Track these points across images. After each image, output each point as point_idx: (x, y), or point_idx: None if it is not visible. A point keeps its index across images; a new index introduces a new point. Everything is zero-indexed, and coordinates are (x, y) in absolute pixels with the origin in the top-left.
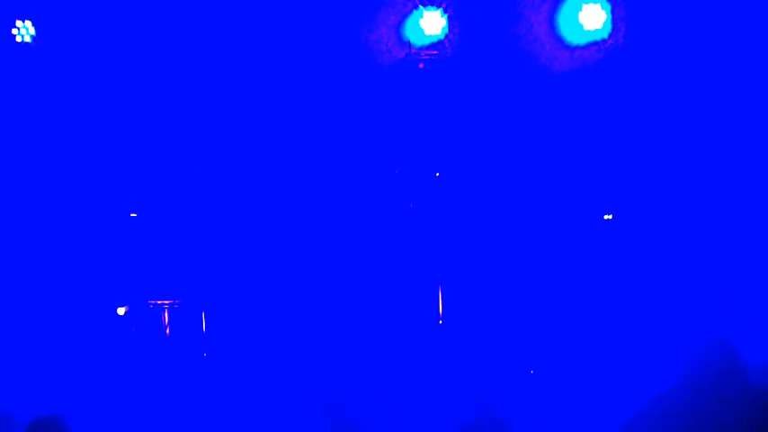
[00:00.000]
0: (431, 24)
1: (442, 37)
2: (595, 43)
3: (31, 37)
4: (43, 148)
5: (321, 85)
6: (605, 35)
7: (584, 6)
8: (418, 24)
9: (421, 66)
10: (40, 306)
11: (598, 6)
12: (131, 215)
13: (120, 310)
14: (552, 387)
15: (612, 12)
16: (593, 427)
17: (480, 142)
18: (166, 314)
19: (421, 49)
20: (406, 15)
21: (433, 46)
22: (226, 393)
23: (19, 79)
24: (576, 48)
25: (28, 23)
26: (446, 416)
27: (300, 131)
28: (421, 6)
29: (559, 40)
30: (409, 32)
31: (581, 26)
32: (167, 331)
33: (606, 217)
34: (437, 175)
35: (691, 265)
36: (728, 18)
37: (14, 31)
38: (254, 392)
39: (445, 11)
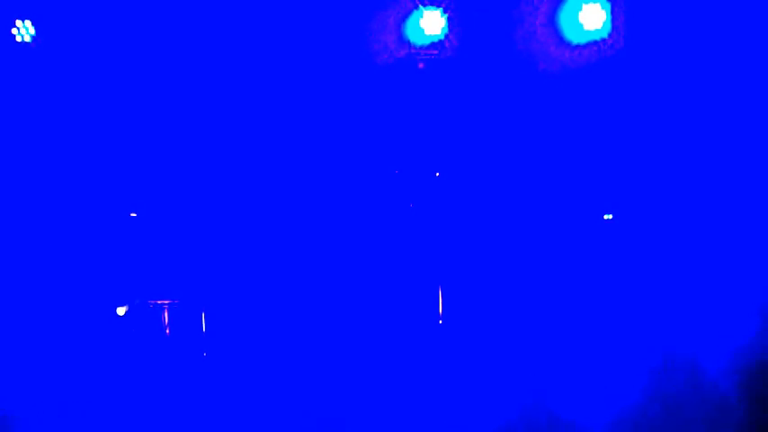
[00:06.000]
0: (431, 24)
1: (442, 37)
2: (595, 43)
3: (31, 37)
4: (43, 148)
5: (321, 84)
6: (605, 35)
7: (584, 6)
8: (418, 24)
9: (421, 66)
10: (40, 306)
11: (598, 6)
12: (131, 215)
13: (120, 310)
14: (552, 387)
15: (612, 12)
16: (593, 426)
17: (480, 142)
18: (166, 314)
19: (421, 49)
20: (406, 15)
21: (433, 46)
22: (226, 393)
23: (19, 79)
24: (576, 47)
25: (28, 23)
26: (446, 415)
27: (300, 131)
28: (421, 6)
29: (559, 39)
30: (409, 32)
31: (581, 26)
32: (167, 331)
33: (606, 217)
34: (437, 175)
35: (690, 266)
36: (729, 17)
37: (14, 31)
38: (254, 393)
39: (445, 11)
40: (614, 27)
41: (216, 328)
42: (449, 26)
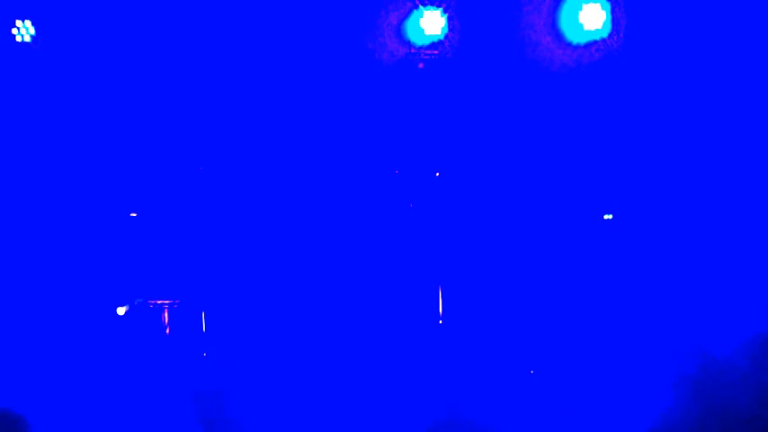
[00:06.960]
0: (431, 24)
1: (442, 37)
2: (595, 43)
3: (31, 37)
4: (43, 148)
5: (320, 84)
6: (605, 35)
7: (584, 6)
8: (418, 24)
9: (421, 66)
10: (40, 306)
11: (598, 6)
12: (131, 215)
13: (120, 310)
14: (551, 388)
15: (612, 12)
16: (591, 429)
17: (480, 142)
18: (166, 314)
19: (421, 49)
20: (406, 15)
21: (433, 46)
22: (225, 393)
23: (19, 79)
24: (577, 47)
25: (28, 23)
26: (446, 416)
27: (300, 131)
28: (421, 6)
29: (559, 39)
30: (409, 32)
31: (581, 26)
32: (167, 331)
33: (606, 217)
34: (437, 175)
35: (691, 266)
36: (729, 17)
37: (14, 31)
38: (253, 392)
39: (445, 11)
40: (614, 27)
41: (216, 328)
42: (449, 26)
